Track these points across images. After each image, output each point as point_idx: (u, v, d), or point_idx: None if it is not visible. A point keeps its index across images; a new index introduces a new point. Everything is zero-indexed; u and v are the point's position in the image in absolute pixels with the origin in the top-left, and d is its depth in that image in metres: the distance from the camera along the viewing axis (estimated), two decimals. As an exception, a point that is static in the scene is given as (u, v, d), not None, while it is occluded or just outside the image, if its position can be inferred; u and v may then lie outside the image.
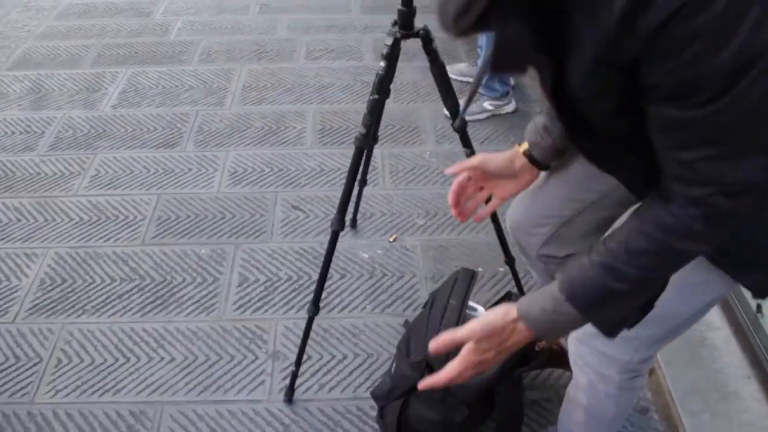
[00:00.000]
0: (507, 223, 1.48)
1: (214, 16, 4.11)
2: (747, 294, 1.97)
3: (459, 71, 3.32)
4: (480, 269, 2.31)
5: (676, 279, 0.96)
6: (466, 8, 0.72)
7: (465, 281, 1.66)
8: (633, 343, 1.19)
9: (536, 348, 1.66)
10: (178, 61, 3.58)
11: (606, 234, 1.02)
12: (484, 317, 1.01)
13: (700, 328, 1.96)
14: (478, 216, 1.34)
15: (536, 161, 1.26)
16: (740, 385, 1.83)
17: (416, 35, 1.70)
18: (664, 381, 1.83)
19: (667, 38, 0.70)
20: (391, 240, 2.43)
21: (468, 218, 1.30)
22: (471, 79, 3.30)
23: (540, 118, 1.25)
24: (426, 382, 1.05)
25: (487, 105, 3.14)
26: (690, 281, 1.05)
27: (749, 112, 0.74)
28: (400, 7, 1.67)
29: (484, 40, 3.04)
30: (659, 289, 0.97)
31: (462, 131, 1.84)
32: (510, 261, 1.96)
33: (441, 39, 1.43)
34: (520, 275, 2.04)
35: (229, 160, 2.81)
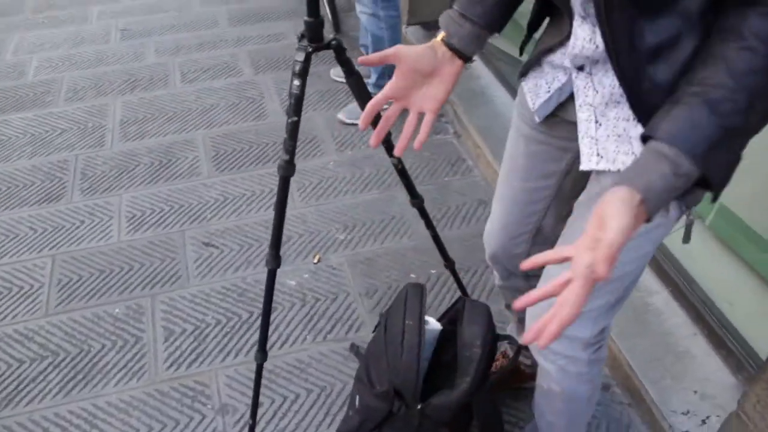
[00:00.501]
0: (487, 259, 1.55)
1: (72, 49, 3.81)
2: (677, 252, 2.03)
3: (338, 73, 3.26)
4: (413, 275, 2.26)
5: None
6: None
7: (416, 297, 1.59)
8: (591, 316, 1.20)
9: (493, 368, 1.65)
10: (42, 103, 3.29)
11: (686, 78, 0.89)
12: (613, 221, 0.80)
13: (640, 294, 2.01)
14: (418, 141, 1.10)
15: (457, 50, 1.14)
16: (690, 343, 1.89)
17: (327, 47, 1.60)
18: (620, 354, 1.86)
19: None
20: (315, 261, 2.32)
21: (379, 143, 1.13)
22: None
23: (451, 9, 1.17)
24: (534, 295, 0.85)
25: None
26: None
27: None
28: (306, 18, 1.55)
29: (369, 39, 2.98)
30: (762, 123, 0.88)
31: (386, 140, 1.77)
32: (450, 264, 1.91)
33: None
34: (461, 275, 2.00)
35: (124, 204, 2.60)
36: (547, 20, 1.17)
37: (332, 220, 2.50)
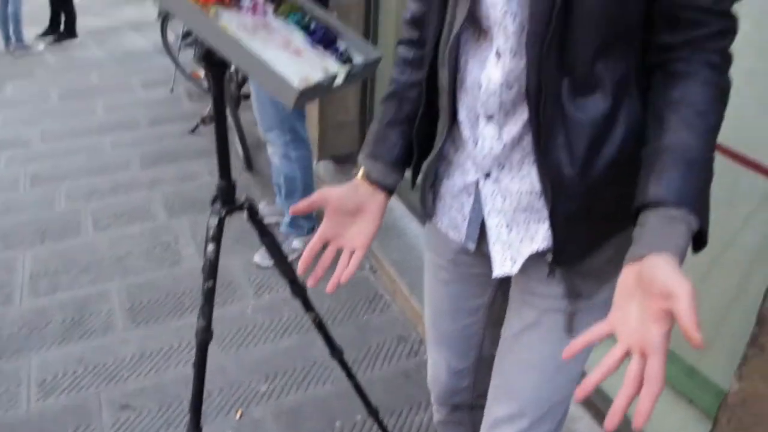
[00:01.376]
0: (433, 401, 1.56)
1: (-23, 199, 3.75)
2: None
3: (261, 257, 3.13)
4: (338, 423, 2.25)
5: None
6: None
7: None
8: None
9: None
10: (-55, 260, 3.19)
11: (652, 146, 0.94)
12: (679, 285, 0.78)
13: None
14: (345, 274, 1.15)
15: (378, 182, 1.21)
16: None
17: (241, 208, 1.66)
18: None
19: None
20: (237, 417, 2.28)
21: (318, 281, 1.15)
22: (276, 218, 3.30)
23: (362, 151, 1.24)
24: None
25: (295, 244, 3.14)
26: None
27: None
28: (218, 181, 1.62)
29: (282, 179, 3.07)
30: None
31: (302, 295, 1.82)
32: (373, 411, 1.92)
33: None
34: (386, 419, 2.01)
35: (33, 368, 2.50)
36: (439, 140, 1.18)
37: (253, 370, 2.48)
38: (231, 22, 1.31)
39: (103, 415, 2.29)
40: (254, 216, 1.70)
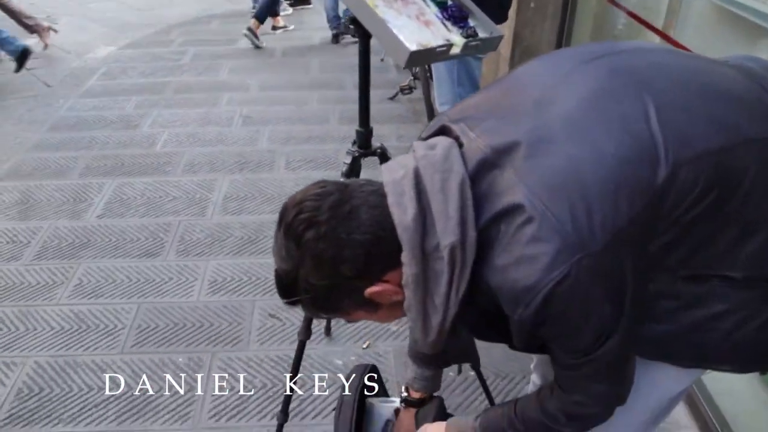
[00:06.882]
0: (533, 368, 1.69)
1: (199, 128, 4.32)
2: (714, 392, 2.06)
3: None
4: (451, 373, 2.38)
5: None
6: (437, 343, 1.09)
7: (359, 375, 1.66)
8: None
9: None
10: (163, 172, 3.75)
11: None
12: None
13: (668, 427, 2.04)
14: None
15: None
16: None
17: (374, 153, 1.86)
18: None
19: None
20: (364, 347, 2.51)
21: None
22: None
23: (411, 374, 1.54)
24: None
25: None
26: (644, 378, 1.17)
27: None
28: (357, 128, 1.84)
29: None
30: None
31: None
32: (475, 365, 2.04)
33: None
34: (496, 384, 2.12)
35: (209, 269, 2.91)
36: None
37: (388, 311, 2.68)
38: (374, -8, 1.56)
39: (253, 318, 2.63)
40: (385, 160, 1.89)
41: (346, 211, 1.01)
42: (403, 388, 1.56)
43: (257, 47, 6.10)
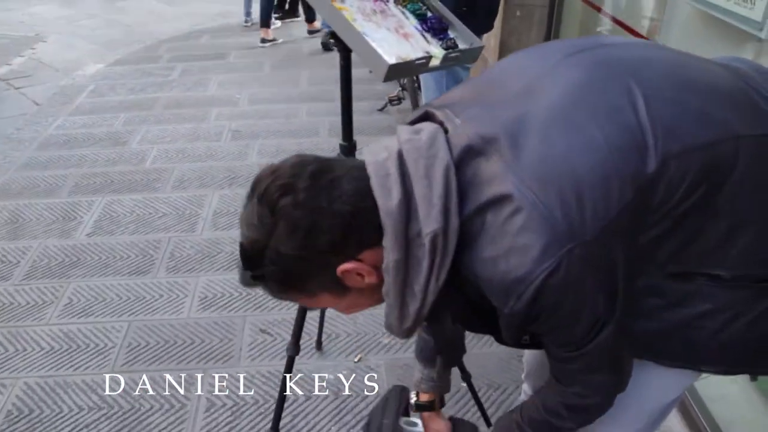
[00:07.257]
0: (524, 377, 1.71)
1: (188, 143, 4.32)
2: (707, 398, 2.06)
3: None
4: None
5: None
6: (411, 330, 1.06)
7: (396, 398, 1.67)
8: None
9: None
10: (152, 188, 3.74)
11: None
12: None
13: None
14: None
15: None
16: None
17: None
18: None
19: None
20: (356, 360, 2.50)
21: None
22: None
23: (418, 375, 1.58)
24: None
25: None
26: (637, 383, 1.18)
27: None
28: (341, 142, 1.86)
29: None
30: None
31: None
32: (466, 377, 2.03)
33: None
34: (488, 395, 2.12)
35: (200, 285, 2.90)
36: None
37: (381, 324, 2.67)
38: (352, 5, 1.57)
39: (244, 334, 2.62)
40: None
41: (328, 179, 0.96)
42: (412, 394, 1.57)
43: (275, 44, 6.74)
